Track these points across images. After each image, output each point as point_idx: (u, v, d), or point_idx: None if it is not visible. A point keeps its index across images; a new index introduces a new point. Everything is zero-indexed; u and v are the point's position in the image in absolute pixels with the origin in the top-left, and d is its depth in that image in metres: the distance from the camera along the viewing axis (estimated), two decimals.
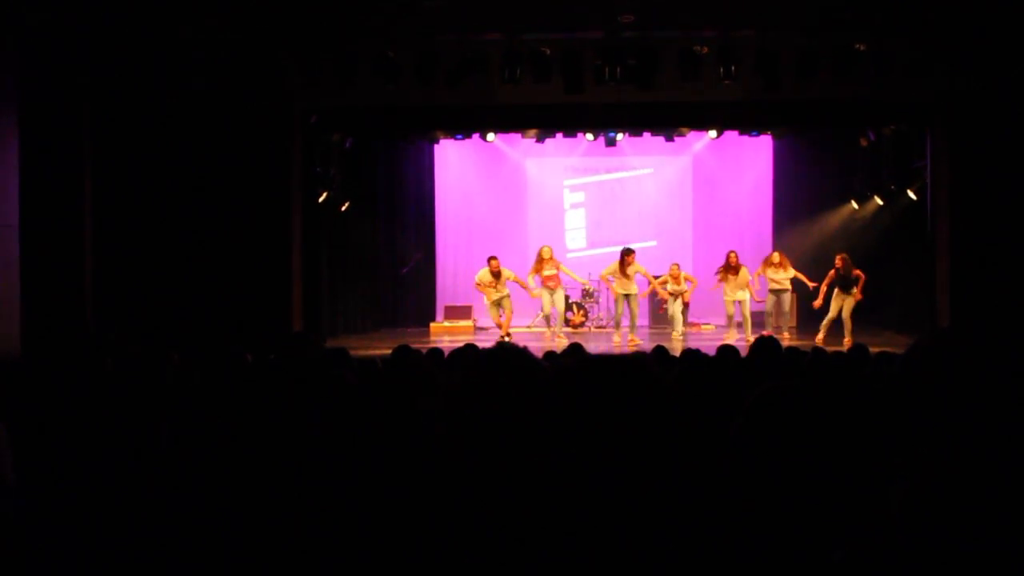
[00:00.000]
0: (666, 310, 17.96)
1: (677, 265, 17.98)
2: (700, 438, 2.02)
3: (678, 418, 1.90)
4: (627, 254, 16.52)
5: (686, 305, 17.86)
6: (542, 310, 17.11)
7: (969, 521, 1.61)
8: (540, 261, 16.77)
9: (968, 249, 14.83)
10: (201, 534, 3.16)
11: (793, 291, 17.41)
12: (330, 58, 14.49)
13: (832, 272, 16.04)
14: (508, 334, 16.57)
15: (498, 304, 16.65)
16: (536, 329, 18.60)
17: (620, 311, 16.89)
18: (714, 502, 2.03)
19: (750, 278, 16.85)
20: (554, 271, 16.75)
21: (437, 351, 8.18)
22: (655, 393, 1.90)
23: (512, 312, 16.84)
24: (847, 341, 15.05)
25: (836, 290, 15.98)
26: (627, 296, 16.55)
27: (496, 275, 16.49)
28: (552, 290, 16.78)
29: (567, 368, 1.98)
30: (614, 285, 16.68)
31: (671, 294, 17.59)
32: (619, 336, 16.84)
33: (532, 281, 16.82)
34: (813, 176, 20.42)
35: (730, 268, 16.75)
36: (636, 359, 1.97)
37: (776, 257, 17.14)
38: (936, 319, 15.15)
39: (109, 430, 4.11)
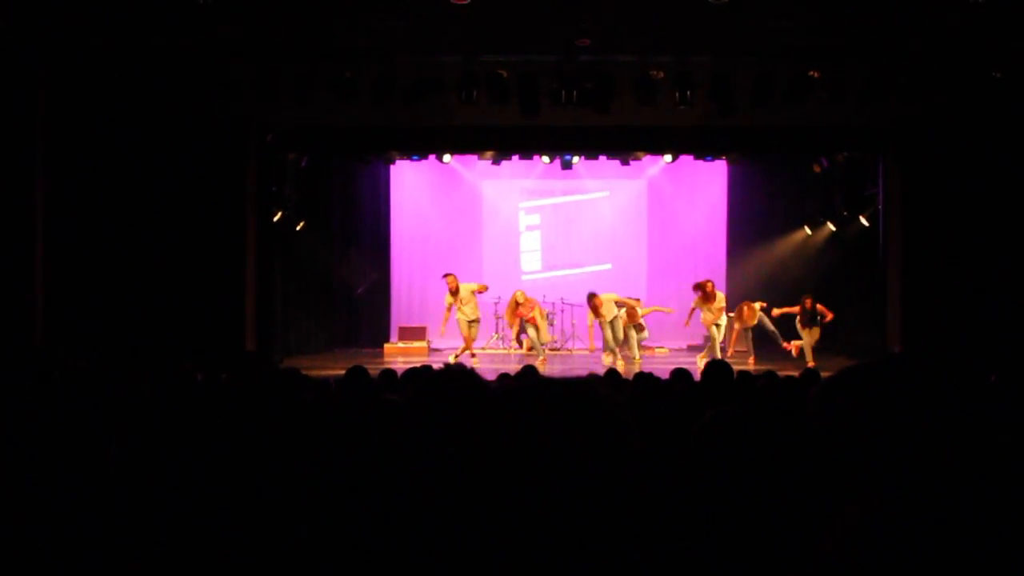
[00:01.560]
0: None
1: (639, 303, 18.05)
2: (649, 460, 2.03)
3: (625, 440, 1.90)
4: (593, 304, 16.82)
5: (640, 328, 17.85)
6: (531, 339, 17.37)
7: (906, 551, 1.61)
8: (515, 306, 17.01)
9: (919, 275, 15.02)
10: (149, 552, 3.13)
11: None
12: (286, 77, 14.43)
13: (799, 308, 16.50)
14: (473, 354, 16.65)
15: (471, 325, 16.67)
16: (491, 351, 18.62)
17: (609, 337, 17.00)
18: (665, 524, 2.03)
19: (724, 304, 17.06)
20: (533, 314, 17.04)
21: (390, 372, 8.13)
22: (601, 415, 1.90)
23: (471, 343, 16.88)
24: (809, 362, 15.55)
25: (799, 325, 16.48)
26: (610, 323, 16.76)
27: (454, 292, 16.53)
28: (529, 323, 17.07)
29: (513, 389, 1.97)
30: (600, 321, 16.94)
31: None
32: (609, 357, 16.76)
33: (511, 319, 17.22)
34: (767, 201, 20.57)
35: (708, 297, 16.80)
36: (582, 382, 1.97)
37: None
38: (887, 345, 15.30)
39: (56, 447, 4.06)
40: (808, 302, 16.57)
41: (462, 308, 16.55)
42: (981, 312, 14.49)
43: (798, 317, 16.64)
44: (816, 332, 16.46)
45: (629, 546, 1.85)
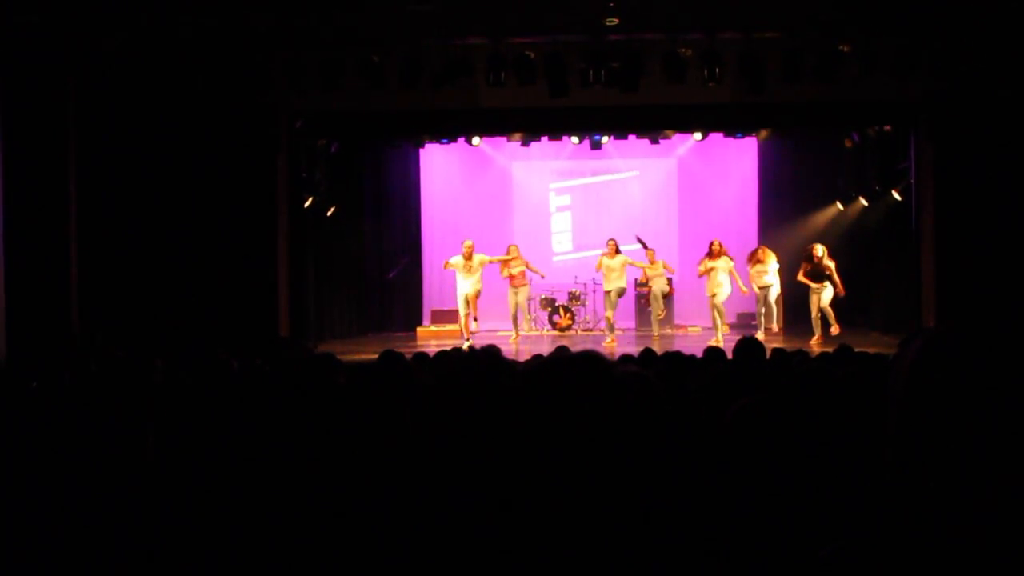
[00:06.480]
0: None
1: (652, 251, 18.05)
2: (673, 435, 2.04)
3: (640, 413, 1.91)
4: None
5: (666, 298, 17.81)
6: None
7: (965, 525, 1.62)
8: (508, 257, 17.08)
9: (953, 249, 14.89)
10: (187, 537, 3.16)
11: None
12: (315, 63, 14.49)
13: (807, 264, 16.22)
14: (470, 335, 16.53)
15: (467, 300, 16.58)
16: (525, 332, 18.55)
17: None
18: (694, 499, 2.04)
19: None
20: (521, 268, 17.01)
21: (423, 355, 8.15)
22: (610, 388, 1.91)
23: (476, 310, 16.76)
24: (817, 337, 15.36)
25: (811, 284, 16.07)
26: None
27: (468, 257, 16.53)
28: (516, 289, 17.01)
29: (532, 368, 1.99)
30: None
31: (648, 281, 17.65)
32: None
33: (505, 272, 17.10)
34: (798, 177, 20.43)
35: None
36: (590, 356, 1.99)
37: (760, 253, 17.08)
38: (922, 319, 15.20)
39: (94, 435, 4.11)
40: (815, 253, 16.17)
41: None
42: (1015, 286, 14.36)
43: (803, 271, 16.30)
44: (828, 292, 15.96)
45: (659, 518, 1.86)
